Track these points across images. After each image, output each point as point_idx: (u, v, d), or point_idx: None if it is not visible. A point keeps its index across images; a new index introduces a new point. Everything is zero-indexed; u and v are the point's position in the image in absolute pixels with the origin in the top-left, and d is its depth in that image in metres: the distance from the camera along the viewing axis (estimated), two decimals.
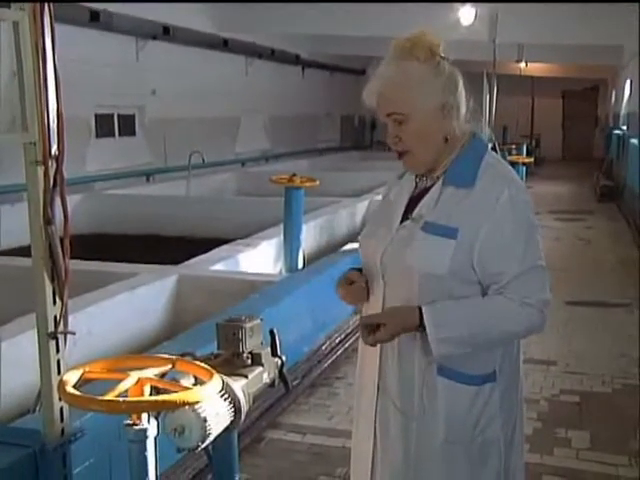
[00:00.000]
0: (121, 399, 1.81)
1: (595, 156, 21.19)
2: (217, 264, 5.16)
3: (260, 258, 5.78)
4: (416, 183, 1.88)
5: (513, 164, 12.64)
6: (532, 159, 14.24)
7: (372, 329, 1.76)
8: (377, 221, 1.94)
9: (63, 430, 2.28)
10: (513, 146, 15.48)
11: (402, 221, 1.83)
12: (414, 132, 1.76)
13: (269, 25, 12.30)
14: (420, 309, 1.72)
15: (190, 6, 10.93)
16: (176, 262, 5.26)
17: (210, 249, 5.68)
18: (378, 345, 1.84)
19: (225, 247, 5.72)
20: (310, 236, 6.60)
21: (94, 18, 9.12)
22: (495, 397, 1.79)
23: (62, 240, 2.25)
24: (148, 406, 1.86)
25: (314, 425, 3.88)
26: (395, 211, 1.86)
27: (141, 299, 4.30)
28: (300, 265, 5.90)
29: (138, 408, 1.86)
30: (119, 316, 4.01)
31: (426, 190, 1.83)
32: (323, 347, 4.73)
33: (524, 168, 13.16)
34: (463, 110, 1.80)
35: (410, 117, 1.75)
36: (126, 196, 9.14)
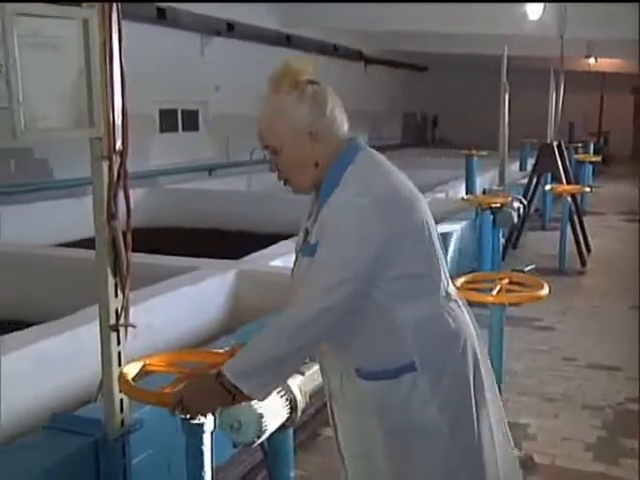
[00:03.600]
0: (174, 392, 1.83)
1: None
2: (276, 260, 5.18)
3: None
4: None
5: (579, 163, 12.33)
6: (599, 158, 13.81)
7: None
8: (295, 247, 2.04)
9: (123, 421, 2.33)
10: (579, 144, 15.06)
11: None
12: (287, 161, 1.85)
13: (332, 21, 12.29)
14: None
15: (254, 2, 11.00)
16: (236, 257, 5.30)
17: (270, 244, 5.71)
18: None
19: (284, 243, 5.74)
20: None
21: (161, 15, 9.30)
22: (422, 384, 1.83)
23: (124, 234, 2.29)
24: None
25: None
26: (300, 236, 1.96)
27: (201, 293, 4.35)
28: None
29: None
30: (179, 310, 4.06)
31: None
32: None
33: (590, 167, 12.82)
34: (338, 125, 1.86)
35: (281, 148, 1.84)
36: (188, 190, 9.28)
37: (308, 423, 3.59)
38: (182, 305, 4.10)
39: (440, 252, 1.90)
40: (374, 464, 1.93)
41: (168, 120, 10.61)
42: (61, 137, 2.34)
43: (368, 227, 1.74)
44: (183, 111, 10.98)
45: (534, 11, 10.63)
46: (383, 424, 1.87)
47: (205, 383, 1.80)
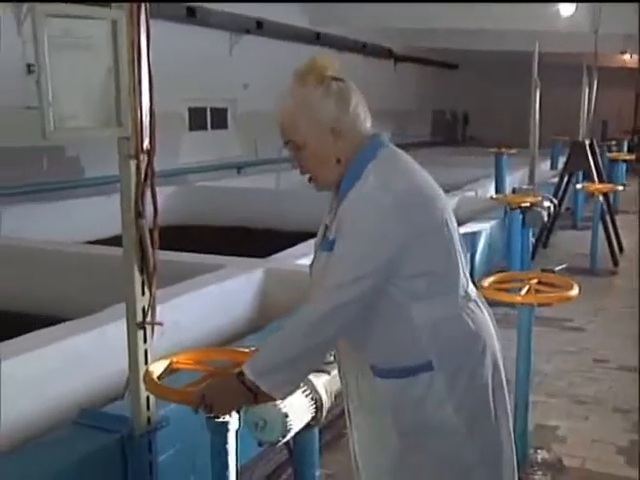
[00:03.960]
0: (195, 389, 1.84)
1: None
2: (303, 258, 5.18)
3: None
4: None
5: (612, 161, 12.14)
6: (633, 156, 13.55)
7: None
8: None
9: (149, 418, 2.35)
10: (613, 142, 14.81)
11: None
12: (309, 158, 1.84)
13: (361, 19, 12.26)
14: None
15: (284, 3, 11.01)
16: (264, 255, 5.32)
17: (298, 242, 5.71)
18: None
19: (311, 241, 5.73)
20: None
21: (191, 14, 9.37)
22: (438, 384, 1.82)
23: (151, 232, 2.31)
24: None
25: None
26: (320, 230, 1.94)
27: (228, 292, 4.37)
28: None
29: None
30: (206, 308, 4.08)
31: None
32: None
33: (624, 166, 12.60)
34: (361, 121, 1.86)
35: (303, 144, 1.82)
36: (217, 188, 9.33)
37: (333, 423, 3.58)
38: (209, 303, 4.12)
39: (461, 252, 1.87)
40: (388, 464, 1.92)
41: (197, 118, 10.67)
42: (89, 137, 2.35)
43: (388, 224, 1.73)
44: (212, 109, 11.04)
45: (566, 8, 10.48)
46: (397, 423, 1.86)
47: (227, 382, 1.81)
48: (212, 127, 11.09)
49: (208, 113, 11.00)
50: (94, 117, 2.13)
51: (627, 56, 16.33)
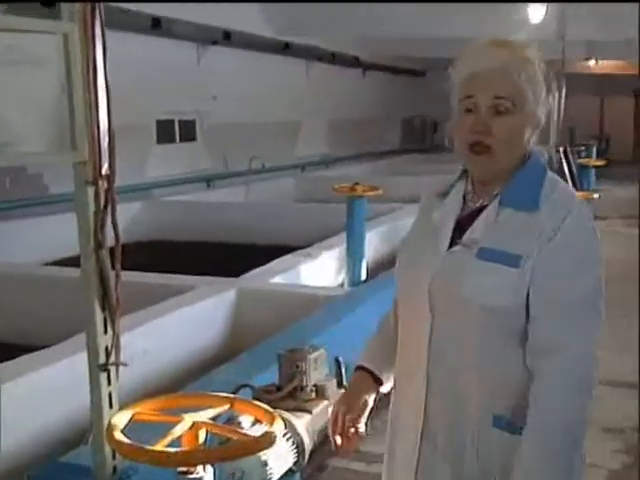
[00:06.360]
0: (173, 450, 1.64)
1: None
2: (277, 276, 5.01)
3: (321, 270, 5.60)
4: (464, 202, 1.69)
5: (583, 167, 12.15)
6: (604, 162, 13.49)
7: None
8: (418, 247, 1.71)
9: (115, 468, 2.14)
10: (582, 147, 14.84)
11: (450, 246, 1.63)
12: (509, 129, 1.58)
13: (329, 28, 12.13)
14: None
15: (250, 10, 10.82)
16: (236, 270, 5.13)
17: (271, 257, 5.54)
18: (421, 387, 1.67)
19: (286, 258, 5.57)
20: (371, 245, 6.39)
21: (155, 25, 9.14)
22: None
23: (113, 263, 2.10)
24: (202, 458, 1.69)
25: (379, 452, 3.65)
26: (441, 235, 1.65)
27: (199, 314, 4.17)
28: (363, 277, 5.70)
29: (192, 460, 1.69)
30: (176, 333, 3.88)
31: (478, 212, 1.64)
32: None
33: (593, 171, 12.63)
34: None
35: (517, 111, 1.58)
36: (186, 203, 9.10)
37: (314, 455, 3.39)
38: (178, 329, 3.92)
39: None
40: None
41: (165, 131, 10.44)
42: (40, 162, 2.15)
43: (599, 266, 1.61)
44: (180, 121, 10.82)
45: (535, 15, 10.48)
46: None
47: None
48: (180, 139, 10.86)
49: (176, 125, 10.77)
50: (46, 140, 1.92)
51: (592, 62, 16.45)
